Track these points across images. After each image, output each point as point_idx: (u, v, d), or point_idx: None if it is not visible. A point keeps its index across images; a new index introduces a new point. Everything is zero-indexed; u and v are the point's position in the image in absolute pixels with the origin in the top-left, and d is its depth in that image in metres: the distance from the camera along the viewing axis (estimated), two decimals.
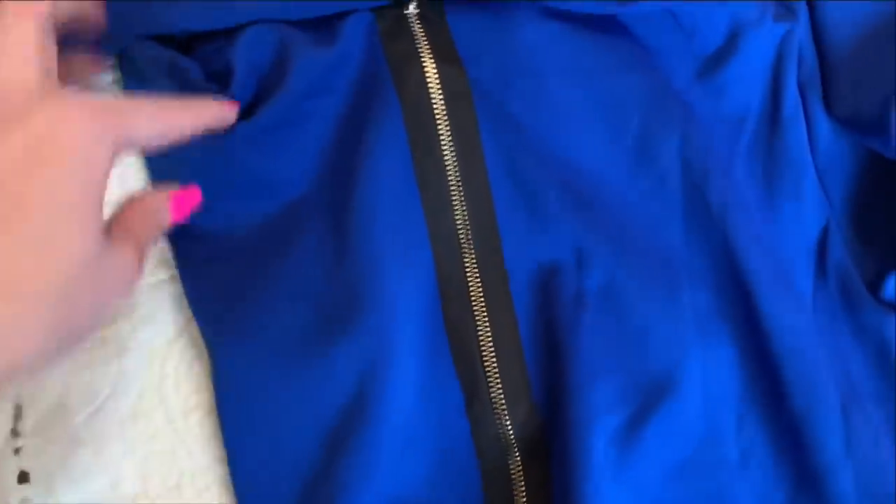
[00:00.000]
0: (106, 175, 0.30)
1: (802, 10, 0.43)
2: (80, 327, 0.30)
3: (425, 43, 0.41)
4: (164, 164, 0.44)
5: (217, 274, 0.43)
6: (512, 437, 0.41)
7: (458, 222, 0.41)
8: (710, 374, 0.40)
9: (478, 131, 0.41)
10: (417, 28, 0.41)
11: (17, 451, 0.45)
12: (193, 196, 0.36)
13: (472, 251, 0.41)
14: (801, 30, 0.43)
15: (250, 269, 0.42)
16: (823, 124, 0.43)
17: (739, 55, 0.43)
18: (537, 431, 0.41)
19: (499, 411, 0.41)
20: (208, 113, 0.36)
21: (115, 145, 0.30)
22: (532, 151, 0.41)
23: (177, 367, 0.46)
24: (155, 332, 0.46)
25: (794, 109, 0.43)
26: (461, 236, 0.41)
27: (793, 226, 0.43)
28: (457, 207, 0.41)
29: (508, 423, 0.41)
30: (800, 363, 0.39)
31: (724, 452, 0.40)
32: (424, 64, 0.41)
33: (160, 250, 0.46)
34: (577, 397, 0.39)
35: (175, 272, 0.46)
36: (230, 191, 0.42)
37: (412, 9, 0.41)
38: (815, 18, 0.43)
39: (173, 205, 0.35)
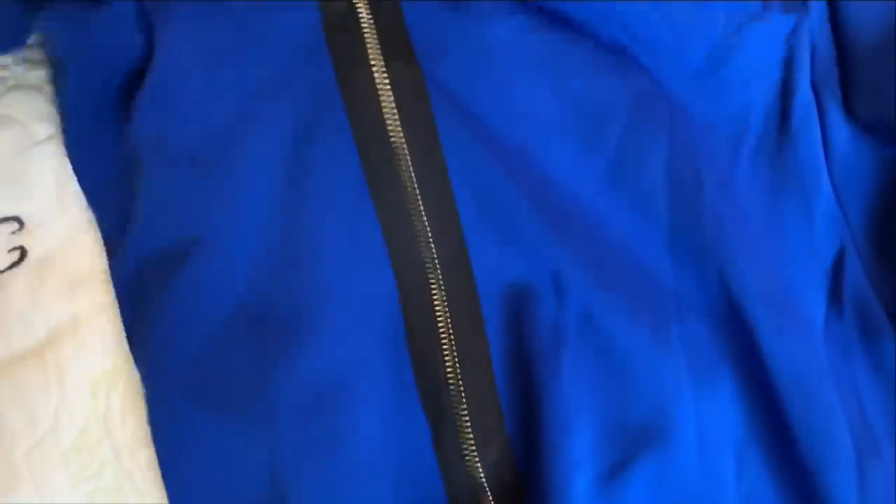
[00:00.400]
0: None
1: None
2: None
3: (374, 38, 0.36)
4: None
5: (150, 302, 0.39)
6: (482, 479, 0.37)
7: (420, 240, 0.37)
8: (706, 415, 0.36)
9: (437, 138, 0.36)
10: (366, 19, 0.36)
11: None
12: None
13: (438, 272, 0.37)
14: (815, 22, 0.38)
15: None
16: (841, 130, 0.39)
17: (742, 49, 0.38)
18: (511, 475, 0.37)
19: (468, 451, 0.37)
20: None
21: None
22: (501, 160, 0.37)
23: (123, 399, 0.42)
24: (98, 357, 0.42)
25: (807, 112, 0.38)
26: (425, 256, 0.37)
27: (802, 247, 0.38)
28: (417, 224, 0.37)
29: (479, 463, 0.37)
30: (807, 403, 0.35)
31: (722, 501, 0.36)
32: (373, 62, 0.36)
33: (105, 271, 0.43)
34: (554, 440, 0.35)
35: None
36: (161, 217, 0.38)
37: None
38: (835, 9, 0.38)
39: None
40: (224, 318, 0.37)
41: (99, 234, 0.43)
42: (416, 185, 0.36)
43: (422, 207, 0.36)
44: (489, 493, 0.37)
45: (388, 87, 0.36)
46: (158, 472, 0.41)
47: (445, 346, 0.37)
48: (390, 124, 0.36)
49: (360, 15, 0.36)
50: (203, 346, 0.38)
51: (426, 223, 0.36)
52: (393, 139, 0.36)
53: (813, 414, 0.35)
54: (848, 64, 0.38)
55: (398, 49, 0.36)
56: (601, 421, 0.36)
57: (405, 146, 0.36)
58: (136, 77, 0.38)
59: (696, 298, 0.36)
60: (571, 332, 0.36)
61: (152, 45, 0.37)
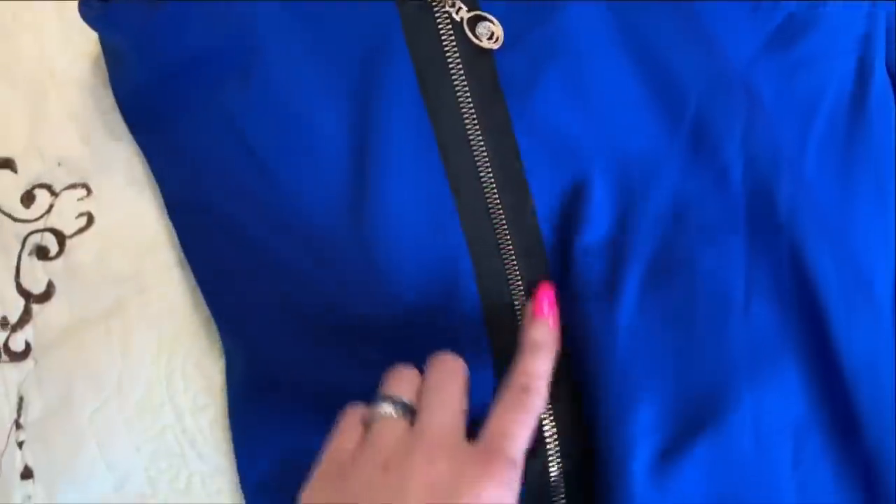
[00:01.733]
0: None
1: None
2: None
3: (449, 32, 0.36)
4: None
5: (224, 257, 0.40)
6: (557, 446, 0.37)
7: (490, 203, 0.37)
8: (763, 400, 0.36)
9: (510, 130, 0.37)
10: (443, 18, 0.36)
11: (20, 444, 0.43)
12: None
13: (505, 228, 0.37)
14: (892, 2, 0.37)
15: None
16: None
17: (819, 26, 0.37)
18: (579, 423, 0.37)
19: None
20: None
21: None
22: (575, 133, 0.37)
23: (184, 362, 0.43)
24: (162, 322, 0.43)
25: (883, 96, 0.37)
26: (500, 241, 0.37)
27: (875, 233, 0.37)
28: (489, 198, 0.37)
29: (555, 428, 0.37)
30: (877, 391, 0.35)
31: (777, 487, 0.36)
32: (448, 55, 0.36)
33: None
34: (613, 419, 0.35)
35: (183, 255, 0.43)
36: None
37: None
38: None
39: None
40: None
41: (163, 201, 0.43)
42: (491, 173, 0.37)
43: (493, 179, 0.37)
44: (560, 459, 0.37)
45: (459, 62, 0.36)
46: (221, 439, 0.42)
47: (516, 298, 0.37)
48: (465, 111, 0.37)
49: (435, 11, 0.36)
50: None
51: (495, 191, 0.37)
52: (468, 128, 0.37)
53: (880, 405, 0.35)
54: None
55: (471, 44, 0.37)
56: (657, 400, 0.36)
57: (480, 134, 0.37)
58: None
59: (767, 281, 0.36)
60: (627, 306, 0.36)
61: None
